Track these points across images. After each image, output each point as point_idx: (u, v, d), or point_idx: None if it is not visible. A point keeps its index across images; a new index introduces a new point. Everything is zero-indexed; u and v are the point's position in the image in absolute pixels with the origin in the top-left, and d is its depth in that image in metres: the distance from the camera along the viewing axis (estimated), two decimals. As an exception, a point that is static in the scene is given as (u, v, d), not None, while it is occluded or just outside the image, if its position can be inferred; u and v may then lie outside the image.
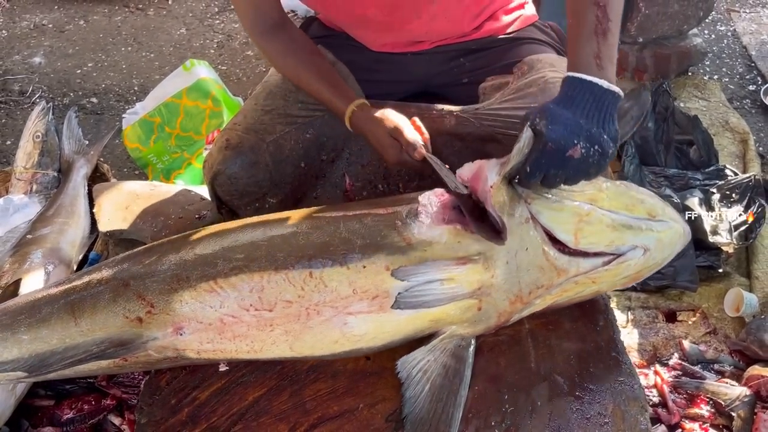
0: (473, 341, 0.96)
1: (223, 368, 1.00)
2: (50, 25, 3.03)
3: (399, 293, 0.90)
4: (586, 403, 0.94)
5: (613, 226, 0.94)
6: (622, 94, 0.91)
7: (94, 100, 2.56)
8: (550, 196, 0.93)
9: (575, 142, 0.86)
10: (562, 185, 0.91)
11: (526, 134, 0.87)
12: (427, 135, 1.12)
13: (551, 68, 1.26)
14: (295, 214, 1.04)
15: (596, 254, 0.94)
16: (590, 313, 1.06)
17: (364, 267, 0.91)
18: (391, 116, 1.12)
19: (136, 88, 2.62)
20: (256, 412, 0.95)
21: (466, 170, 0.98)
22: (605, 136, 0.88)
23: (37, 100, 2.52)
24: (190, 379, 1.00)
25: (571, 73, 0.92)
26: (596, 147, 0.86)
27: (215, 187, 1.25)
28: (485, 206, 0.92)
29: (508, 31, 1.34)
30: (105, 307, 0.95)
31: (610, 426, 0.92)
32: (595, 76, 0.90)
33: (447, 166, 1.07)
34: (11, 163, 2.11)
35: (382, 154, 1.13)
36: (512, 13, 1.35)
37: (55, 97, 2.60)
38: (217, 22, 3.07)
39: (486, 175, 0.91)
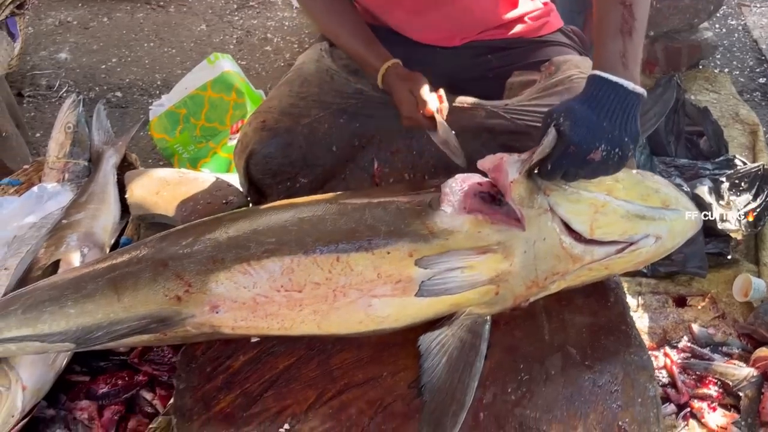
0: (489, 318, 1.01)
1: (254, 340, 1.06)
2: (75, 22, 3.12)
3: (422, 282, 0.94)
4: (597, 372, 0.99)
5: (627, 216, 0.97)
6: (645, 94, 0.93)
7: (119, 94, 2.64)
8: (567, 187, 0.96)
9: (597, 145, 0.88)
10: (579, 180, 0.94)
11: (551, 134, 0.91)
12: (446, 104, 1.16)
13: (577, 69, 1.30)
14: (322, 200, 1.09)
15: (610, 243, 0.98)
16: (601, 290, 1.11)
17: (389, 253, 0.96)
18: (416, 77, 1.18)
19: (159, 83, 2.70)
20: (286, 379, 1.01)
21: (488, 162, 1.01)
22: (626, 139, 0.90)
23: (64, 94, 2.60)
24: (224, 350, 1.07)
25: (596, 72, 0.94)
26: (617, 150, 0.89)
27: (250, 166, 1.29)
28: (505, 198, 0.97)
29: (535, 35, 1.40)
30: (146, 286, 1.00)
31: (620, 393, 0.97)
32: (621, 75, 0.92)
33: (455, 134, 1.11)
34: (41, 154, 2.19)
35: (399, 108, 1.18)
36: (539, 19, 1.40)
37: (81, 91, 2.68)
38: (236, 18, 3.14)
39: (507, 170, 0.95)
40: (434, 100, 1.14)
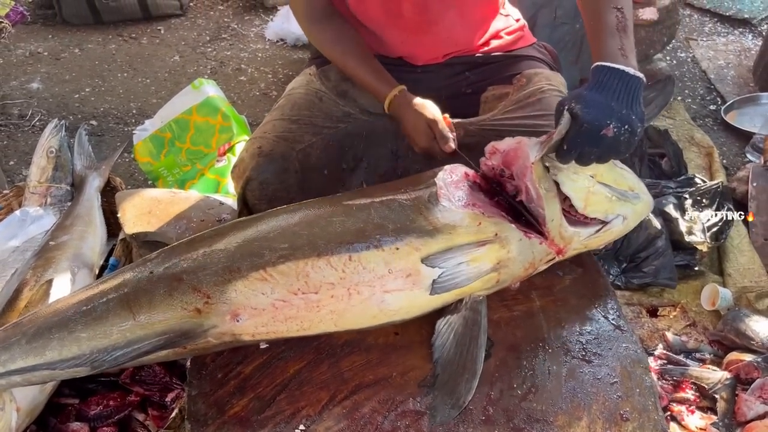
0: (484, 296, 1.08)
1: (263, 346, 1.08)
2: (46, 53, 3.10)
3: (434, 281, 1.01)
4: (596, 366, 1.05)
5: (609, 198, 1.08)
6: (645, 79, 1.03)
7: (94, 122, 2.63)
8: (567, 168, 1.05)
9: (608, 122, 0.96)
10: (593, 163, 1.02)
11: (566, 117, 0.98)
12: (455, 133, 1.25)
13: (547, 81, 1.40)
14: (326, 203, 1.13)
15: (592, 222, 1.08)
16: (594, 291, 1.18)
17: (398, 249, 1.01)
18: (430, 108, 1.25)
19: (134, 111, 2.70)
20: (298, 383, 1.03)
21: (504, 144, 1.10)
22: (634, 117, 0.98)
23: (38, 123, 2.57)
24: (234, 356, 1.08)
25: (600, 63, 1.03)
26: (626, 126, 0.97)
27: (246, 192, 1.32)
28: (522, 180, 1.04)
29: (510, 49, 1.49)
30: (162, 301, 0.99)
31: (620, 384, 1.03)
32: (622, 64, 1.02)
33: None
34: (15, 182, 2.16)
35: (415, 138, 1.26)
36: (514, 33, 1.50)
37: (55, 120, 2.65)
38: (209, 50, 3.18)
39: (527, 153, 1.03)
40: (451, 136, 1.24)
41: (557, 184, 1.06)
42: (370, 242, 1.01)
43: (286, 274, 1.00)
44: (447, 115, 1.28)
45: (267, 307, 0.99)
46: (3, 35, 2.12)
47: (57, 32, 3.28)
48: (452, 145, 1.23)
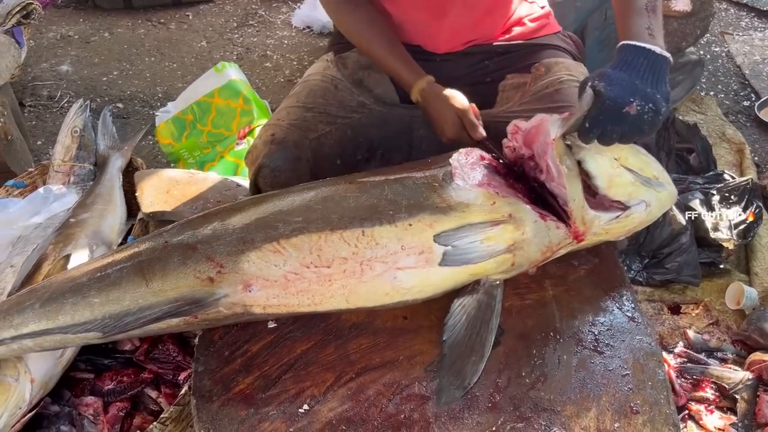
0: (502, 281, 1.07)
1: (271, 325, 1.08)
2: (76, 37, 3.15)
3: (445, 251, 1.00)
4: (607, 357, 1.02)
5: (633, 182, 1.06)
6: (671, 59, 1.01)
7: (120, 105, 2.67)
8: (590, 148, 1.03)
9: (631, 100, 0.95)
10: (616, 143, 1.00)
11: (588, 94, 0.97)
12: (481, 121, 1.25)
13: (567, 71, 1.37)
14: (341, 181, 1.13)
15: (614, 206, 1.06)
16: (609, 282, 1.15)
17: (410, 225, 1.01)
18: (459, 98, 1.24)
19: (160, 95, 2.73)
20: (304, 363, 1.03)
21: (526, 122, 1.08)
22: (658, 96, 0.97)
23: (66, 104, 2.62)
24: (242, 335, 1.08)
25: (626, 41, 1.02)
26: (650, 105, 0.96)
27: (258, 178, 1.32)
28: (543, 158, 1.02)
29: (532, 36, 1.46)
30: (175, 269, 1.00)
31: (631, 377, 1.00)
32: (648, 43, 1.00)
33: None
34: (42, 161, 2.20)
35: (443, 127, 1.25)
36: (537, 21, 1.47)
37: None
38: (236, 36, 3.20)
39: (548, 129, 1.02)
40: (480, 125, 1.23)
41: (580, 163, 1.04)
42: (383, 217, 1.01)
43: (299, 247, 1.00)
44: (474, 106, 1.27)
45: (279, 279, 1.00)
46: (33, 17, 2.16)
47: (88, 16, 3.34)
48: (482, 132, 1.22)
